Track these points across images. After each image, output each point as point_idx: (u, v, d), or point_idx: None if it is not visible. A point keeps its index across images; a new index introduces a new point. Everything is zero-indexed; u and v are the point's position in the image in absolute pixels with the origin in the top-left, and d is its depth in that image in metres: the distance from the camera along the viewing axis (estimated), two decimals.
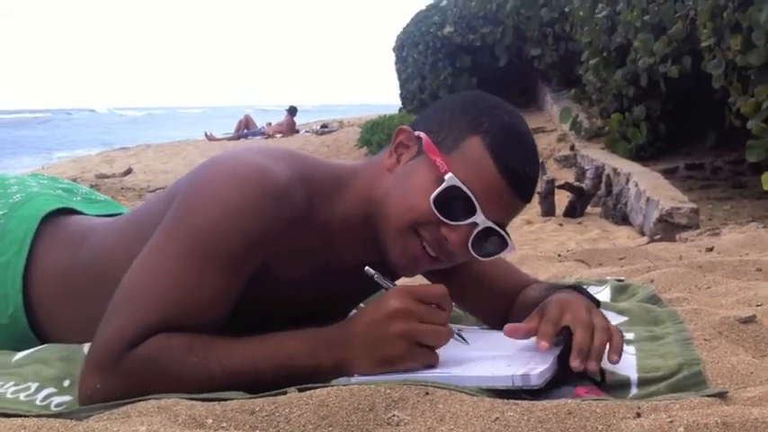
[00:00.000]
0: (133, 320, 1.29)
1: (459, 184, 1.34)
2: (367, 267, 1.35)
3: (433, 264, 1.42)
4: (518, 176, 1.36)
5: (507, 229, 1.42)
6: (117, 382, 1.26)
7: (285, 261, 1.41)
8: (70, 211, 1.76)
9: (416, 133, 1.42)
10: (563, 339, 1.37)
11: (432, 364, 1.30)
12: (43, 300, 1.62)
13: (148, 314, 1.29)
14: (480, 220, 1.36)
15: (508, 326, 1.39)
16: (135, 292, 1.32)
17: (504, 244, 1.41)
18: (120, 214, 1.82)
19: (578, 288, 1.53)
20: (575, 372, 1.31)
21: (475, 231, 1.37)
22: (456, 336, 1.34)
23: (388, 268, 1.42)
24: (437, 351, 1.32)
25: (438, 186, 1.34)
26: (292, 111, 19.33)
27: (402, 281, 1.54)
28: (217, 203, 1.33)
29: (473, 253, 1.40)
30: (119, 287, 1.34)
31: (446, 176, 1.34)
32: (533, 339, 1.44)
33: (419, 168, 1.38)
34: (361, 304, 1.82)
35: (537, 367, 1.28)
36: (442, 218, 1.35)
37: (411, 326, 1.26)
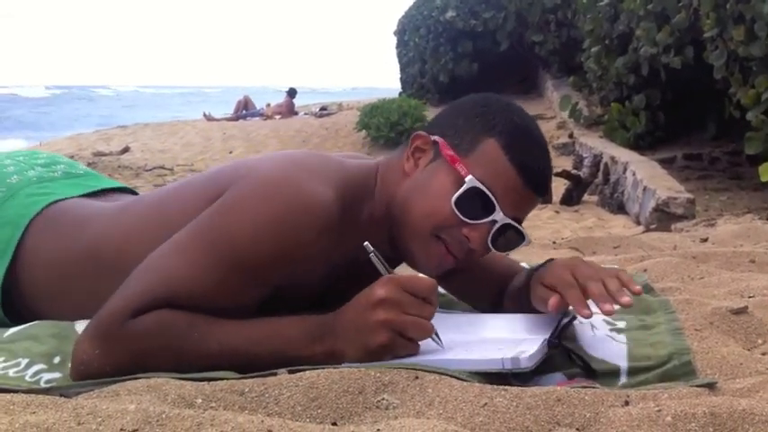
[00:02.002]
0: (141, 292, 1.31)
1: (479, 185, 1.39)
2: (366, 243, 1.36)
3: (456, 263, 1.46)
4: (534, 173, 1.43)
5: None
6: (116, 348, 1.27)
7: (310, 268, 1.42)
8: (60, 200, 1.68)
9: (433, 138, 1.46)
10: (563, 316, 1.39)
11: (415, 354, 1.30)
12: (35, 295, 1.60)
13: (157, 289, 1.31)
14: (499, 217, 1.41)
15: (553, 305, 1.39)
16: (150, 270, 1.34)
17: (521, 237, 1.47)
18: (102, 188, 1.78)
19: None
20: (567, 356, 1.32)
21: (494, 228, 1.42)
22: (433, 336, 1.33)
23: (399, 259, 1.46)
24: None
25: (458, 188, 1.39)
26: (292, 93, 19.24)
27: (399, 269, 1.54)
28: (260, 219, 1.34)
29: (492, 249, 1.45)
30: (137, 267, 1.35)
31: (466, 179, 1.39)
32: (521, 323, 1.46)
33: (438, 172, 1.43)
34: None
35: (527, 350, 1.29)
36: (463, 218, 1.40)
37: (394, 315, 1.27)
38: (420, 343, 1.32)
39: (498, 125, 1.43)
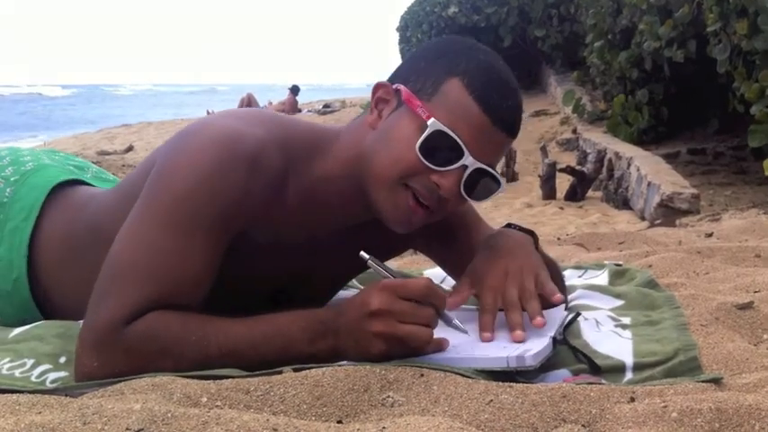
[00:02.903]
0: (127, 297, 1.29)
1: (442, 127, 1.32)
2: (362, 252, 1.33)
3: (429, 216, 1.40)
4: (501, 111, 1.35)
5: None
6: (116, 358, 1.26)
7: (266, 227, 1.41)
8: (80, 183, 1.77)
9: (395, 86, 1.40)
10: (568, 313, 1.40)
11: (423, 353, 1.28)
12: (47, 266, 1.63)
13: (141, 290, 1.29)
14: (469, 161, 1.34)
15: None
16: (124, 268, 1.32)
17: (495, 184, 1.41)
18: None
19: (512, 225, 1.56)
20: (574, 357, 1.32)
21: (466, 174, 1.36)
22: (455, 325, 1.32)
23: (374, 235, 1.42)
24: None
25: (422, 134, 1.33)
26: (295, 90, 19.22)
27: (391, 262, 1.54)
28: (190, 171, 1.33)
29: (466, 196, 1.39)
30: (105, 262, 1.34)
31: (428, 122, 1.32)
32: (526, 319, 1.46)
33: (401, 119, 1.37)
34: (354, 280, 1.82)
35: (532, 348, 1.28)
36: (430, 165, 1.33)
37: (390, 327, 1.24)
38: (442, 334, 1.30)
39: (461, 64, 1.35)
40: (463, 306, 1.46)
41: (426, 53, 1.43)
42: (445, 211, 1.42)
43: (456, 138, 1.33)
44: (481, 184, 1.39)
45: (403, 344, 1.25)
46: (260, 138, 1.37)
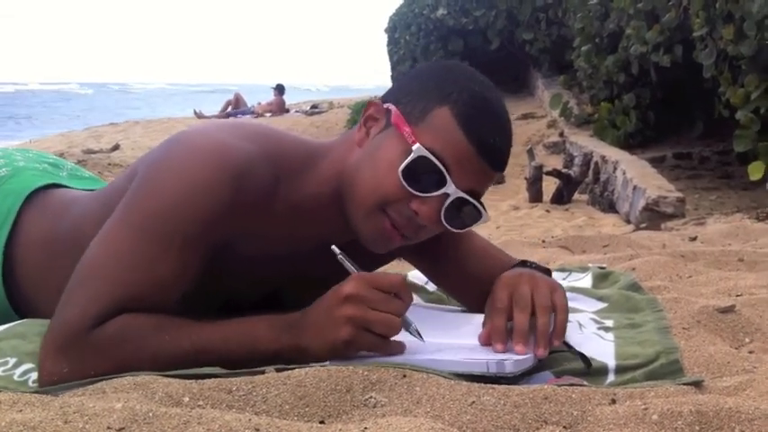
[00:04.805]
0: (93, 300, 1.27)
1: (427, 154, 1.31)
2: (333, 246, 1.33)
3: (405, 241, 1.40)
4: (488, 145, 1.33)
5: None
6: (86, 361, 1.25)
7: (250, 240, 1.40)
8: (56, 186, 1.74)
9: (385, 105, 1.39)
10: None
11: (382, 351, 1.28)
12: (28, 272, 1.61)
13: (108, 293, 1.28)
14: (452, 190, 1.33)
15: (482, 337, 1.39)
16: (94, 272, 1.31)
17: (477, 215, 1.39)
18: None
19: (528, 263, 1.54)
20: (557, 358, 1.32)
21: (447, 202, 1.34)
22: (412, 330, 1.32)
23: (360, 249, 1.41)
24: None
25: (406, 158, 1.31)
26: (280, 89, 19.02)
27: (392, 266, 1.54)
28: (174, 182, 1.32)
29: (446, 225, 1.37)
30: (77, 267, 1.33)
31: (414, 147, 1.31)
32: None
33: (387, 141, 1.35)
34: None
35: (513, 356, 1.29)
36: (411, 190, 1.32)
37: (360, 311, 1.24)
38: (402, 340, 1.30)
39: (454, 93, 1.33)
40: (437, 306, 1.44)
41: (421, 76, 1.42)
42: (422, 237, 1.41)
43: (439, 165, 1.31)
44: (463, 213, 1.38)
45: (370, 332, 1.25)
46: (248, 152, 1.36)
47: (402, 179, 1.32)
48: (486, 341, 1.37)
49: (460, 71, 1.41)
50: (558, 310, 1.38)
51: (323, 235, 1.45)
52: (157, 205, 1.31)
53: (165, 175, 1.33)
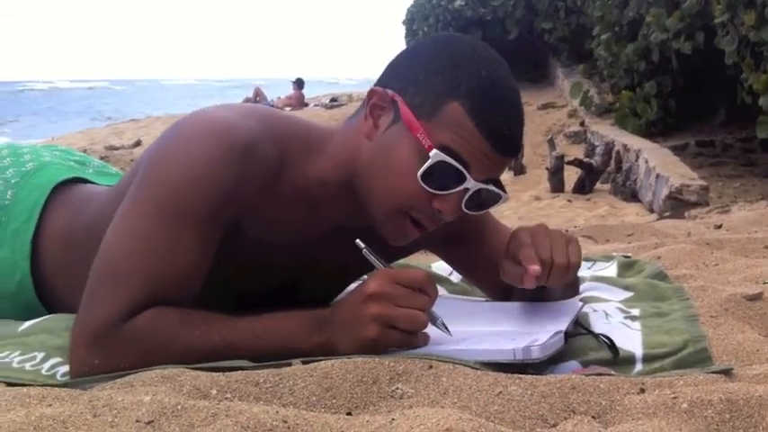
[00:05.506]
0: (121, 294, 1.28)
1: (445, 158, 1.30)
2: (357, 240, 1.33)
3: (423, 232, 1.39)
4: (503, 137, 1.32)
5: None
6: (116, 354, 1.26)
7: (258, 223, 1.40)
8: (81, 181, 1.76)
9: (390, 94, 1.36)
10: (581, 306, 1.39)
11: (411, 346, 1.28)
12: (52, 266, 1.63)
13: (134, 287, 1.28)
14: (471, 184, 1.33)
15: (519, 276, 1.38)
16: (116, 264, 1.31)
17: (497, 196, 1.39)
18: None
19: None
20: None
21: (467, 196, 1.34)
22: (439, 324, 1.31)
23: (383, 239, 1.40)
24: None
25: (423, 162, 1.30)
26: (300, 83, 19.02)
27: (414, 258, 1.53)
28: (181, 162, 1.32)
29: (467, 212, 1.37)
30: (97, 257, 1.33)
31: (431, 153, 1.30)
32: (538, 312, 1.45)
33: (400, 141, 1.33)
34: (363, 277, 1.82)
35: (539, 339, 1.28)
36: (431, 190, 1.32)
37: (385, 309, 1.24)
38: (429, 333, 1.30)
39: (463, 84, 1.30)
40: (462, 297, 1.44)
41: (425, 62, 1.37)
42: (440, 225, 1.41)
43: (458, 165, 1.31)
44: (483, 199, 1.38)
45: (396, 328, 1.25)
46: (254, 129, 1.35)
47: (422, 183, 1.31)
48: (529, 282, 1.36)
49: (464, 51, 1.36)
50: (572, 256, 1.39)
51: (332, 220, 1.45)
52: (167, 188, 1.31)
53: (172, 158, 1.34)
